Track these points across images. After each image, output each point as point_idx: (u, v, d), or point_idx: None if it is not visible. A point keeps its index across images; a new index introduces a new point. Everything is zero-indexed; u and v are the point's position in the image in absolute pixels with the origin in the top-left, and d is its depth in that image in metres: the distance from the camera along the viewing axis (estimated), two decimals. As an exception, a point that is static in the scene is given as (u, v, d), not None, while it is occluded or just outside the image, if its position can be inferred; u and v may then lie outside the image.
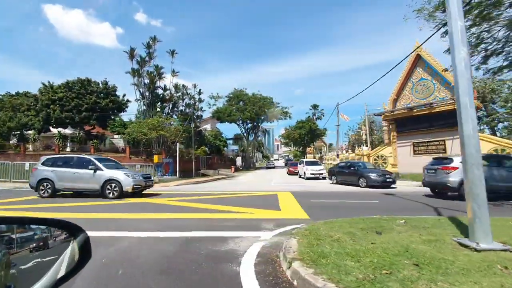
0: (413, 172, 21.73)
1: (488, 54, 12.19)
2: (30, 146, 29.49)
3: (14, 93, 34.40)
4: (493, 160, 11.37)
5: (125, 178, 10.96)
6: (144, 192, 12.35)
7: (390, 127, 27.44)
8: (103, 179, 10.91)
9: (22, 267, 0.94)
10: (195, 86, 42.03)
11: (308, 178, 22.34)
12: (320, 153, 74.08)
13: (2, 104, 31.35)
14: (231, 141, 64.05)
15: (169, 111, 33.69)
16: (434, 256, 3.08)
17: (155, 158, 20.12)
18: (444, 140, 23.04)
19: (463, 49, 3.98)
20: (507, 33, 11.19)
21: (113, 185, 10.83)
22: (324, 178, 22.58)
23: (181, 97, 38.41)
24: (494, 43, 11.68)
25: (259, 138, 73.66)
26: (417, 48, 20.55)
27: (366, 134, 33.30)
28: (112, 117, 32.35)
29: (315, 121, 64.19)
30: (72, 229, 1.13)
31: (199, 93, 42.88)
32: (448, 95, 22.55)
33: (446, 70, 12.88)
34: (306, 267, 2.87)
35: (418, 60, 24.46)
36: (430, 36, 11.64)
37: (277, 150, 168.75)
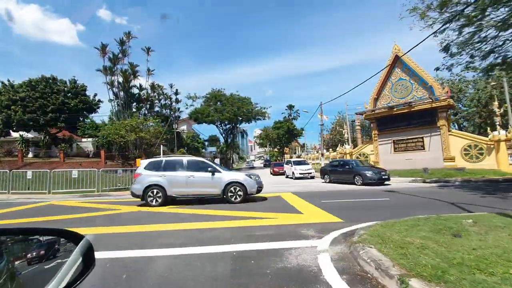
0: (395, 169, 22.44)
1: (474, 54, 12.78)
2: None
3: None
4: None
5: (248, 180, 9.93)
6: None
7: (372, 125, 28.30)
8: (224, 182, 9.77)
9: (26, 276, 0.95)
10: (171, 86, 40.29)
11: (297, 178, 22.16)
12: (295, 153, 75.05)
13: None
14: (206, 143, 62.51)
15: (147, 112, 31.71)
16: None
17: (138, 162, 18.57)
18: (422, 137, 24.13)
19: None
20: (496, 33, 11.74)
21: (237, 188, 9.72)
22: (312, 177, 22.54)
23: (157, 97, 36.54)
24: (483, 43, 12.25)
25: (236, 139, 72.82)
26: (413, 48, 21.24)
27: (347, 133, 34.05)
28: (81, 118, 29.70)
29: (292, 121, 64.95)
30: (74, 237, 1.13)
31: (176, 93, 41.20)
32: (425, 94, 23.66)
33: (437, 69, 13.25)
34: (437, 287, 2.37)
35: (397, 61, 25.44)
36: (428, 36, 11.88)
37: (251, 151, 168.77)
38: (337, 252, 3.93)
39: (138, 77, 31.12)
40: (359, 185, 14.97)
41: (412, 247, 3.37)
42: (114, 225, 6.65)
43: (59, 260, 1.05)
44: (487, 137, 21.04)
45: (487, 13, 11.18)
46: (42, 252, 1.13)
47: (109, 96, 28.58)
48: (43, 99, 23.82)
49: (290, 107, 71.50)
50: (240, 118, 48.03)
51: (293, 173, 22.80)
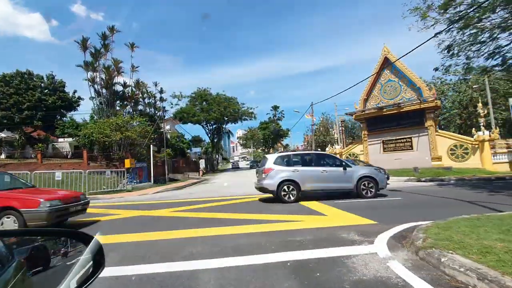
0: (385, 168, 22.83)
1: (471, 56, 13.08)
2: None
3: None
4: None
5: (379, 174, 9.99)
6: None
7: (361, 126, 28.69)
8: (356, 177, 9.58)
9: (38, 276, 0.94)
10: (156, 84, 38.82)
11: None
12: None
13: None
14: (189, 143, 61.00)
15: (131, 110, 30.17)
16: None
17: (127, 163, 17.41)
18: (411, 138, 24.73)
19: None
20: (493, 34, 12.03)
21: (370, 183, 9.56)
22: (306, 177, 22.33)
23: (141, 95, 34.99)
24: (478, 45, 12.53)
25: (222, 140, 71.82)
26: (411, 51, 21.59)
27: (337, 133, 34.38)
28: (59, 116, 27.71)
29: (277, 122, 65.02)
30: (84, 238, 1.13)
31: (161, 91, 39.75)
32: (414, 95, 24.25)
33: (437, 69, 13.48)
34: None
35: (386, 63, 25.94)
36: (430, 38, 11.96)
37: (233, 152, 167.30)
38: (405, 259, 3.53)
39: (122, 73, 29.54)
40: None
41: (501, 252, 3.04)
42: (124, 233, 5.89)
43: (70, 261, 1.03)
44: (472, 137, 21.93)
45: (486, 15, 11.42)
46: (53, 253, 1.13)
47: (90, 94, 26.86)
48: (18, 96, 21.82)
49: (275, 108, 71.48)
50: (227, 118, 47.26)
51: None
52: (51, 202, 5.99)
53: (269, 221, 6.35)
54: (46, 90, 23.82)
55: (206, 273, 3.42)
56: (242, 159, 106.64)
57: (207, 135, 50.11)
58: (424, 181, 15.86)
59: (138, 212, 8.70)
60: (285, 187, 9.31)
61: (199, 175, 36.34)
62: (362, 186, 9.54)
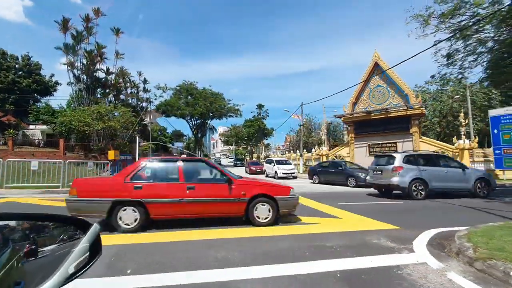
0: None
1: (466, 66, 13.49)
2: None
3: None
4: None
5: (490, 176, 10.61)
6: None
7: (349, 128, 29.11)
8: (474, 178, 10.31)
9: (32, 263, 0.94)
10: (140, 74, 37.10)
11: (280, 178, 21.66)
12: (261, 152, 75.12)
13: None
14: (171, 137, 59.26)
15: (113, 99, 28.46)
16: None
17: (111, 154, 16.21)
18: (396, 143, 25.38)
19: None
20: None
21: (482, 184, 10.36)
22: (295, 177, 22.29)
23: (123, 85, 33.22)
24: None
25: (206, 136, 70.53)
26: (416, 55, 21.93)
27: (324, 135, 34.71)
28: (32, 101, 25.55)
29: (262, 120, 64.76)
30: (81, 225, 1.12)
31: (145, 81, 38.09)
32: (401, 102, 24.92)
33: (433, 76, 13.79)
34: None
35: (376, 68, 26.45)
36: (432, 46, 12.14)
37: (213, 149, 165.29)
38: (461, 270, 3.29)
39: (105, 59, 27.76)
40: (352, 187, 14.93)
41: None
42: (129, 232, 5.23)
43: (67, 248, 1.01)
44: (453, 145, 22.90)
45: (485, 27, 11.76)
46: (49, 238, 1.11)
47: (69, 79, 24.87)
48: (-12, 76, 19.70)
49: (260, 106, 71.14)
50: (212, 114, 46.28)
51: (275, 172, 22.28)
52: (293, 190, 6.13)
53: (286, 223, 5.95)
54: (21, 72, 21.69)
55: (243, 284, 2.96)
56: (223, 156, 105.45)
57: (191, 130, 48.76)
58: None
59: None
60: (416, 185, 9.88)
61: (182, 170, 35.25)
62: (478, 186, 10.29)
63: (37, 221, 1.17)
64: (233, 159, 66.92)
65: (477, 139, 22.99)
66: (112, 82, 27.51)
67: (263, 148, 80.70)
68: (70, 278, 0.90)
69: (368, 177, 11.82)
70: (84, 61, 26.21)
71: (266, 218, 5.67)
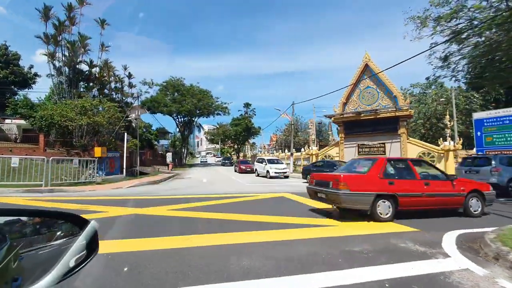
0: (360, 171, 23.63)
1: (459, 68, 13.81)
2: None
3: None
4: None
5: None
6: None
7: (339, 128, 29.37)
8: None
9: (30, 259, 0.93)
10: (125, 68, 35.71)
11: (272, 177, 21.46)
12: (247, 151, 74.82)
13: None
14: (157, 135, 57.66)
15: (97, 93, 27.10)
16: None
17: (97, 151, 15.29)
18: (384, 143, 25.88)
19: None
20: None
21: None
22: (287, 177, 22.16)
23: (107, 79, 31.80)
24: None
25: (192, 133, 69.24)
26: (406, 60, 22.23)
27: (314, 134, 34.90)
28: (8, 94, 23.84)
29: (249, 119, 64.37)
30: (79, 222, 1.10)
31: (129, 76, 36.71)
32: (390, 103, 25.42)
33: (428, 78, 14.01)
34: None
35: (366, 69, 26.83)
36: (431, 48, 12.30)
37: (198, 147, 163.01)
38: (507, 276, 3.17)
39: (89, 51, 26.36)
40: (347, 186, 14.94)
41: None
42: (130, 237, 4.78)
43: (65, 245, 1.00)
44: (438, 146, 23.62)
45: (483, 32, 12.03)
46: (47, 235, 1.10)
47: (50, 71, 23.32)
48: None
49: (247, 105, 70.59)
50: (199, 111, 45.34)
51: (267, 171, 22.04)
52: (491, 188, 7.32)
53: (302, 225, 5.72)
54: (-3, 62, 20.15)
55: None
56: (208, 155, 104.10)
57: (177, 127, 47.58)
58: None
59: (129, 210, 7.42)
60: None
61: (168, 169, 34.22)
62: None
63: (36, 216, 1.15)
64: (220, 158, 66.07)
65: (461, 140, 23.86)
66: (96, 75, 26.16)
67: (249, 147, 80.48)
68: (68, 273, 0.89)
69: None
70: (66, 52, 24.79)
71: (475, 211, 6.79)
